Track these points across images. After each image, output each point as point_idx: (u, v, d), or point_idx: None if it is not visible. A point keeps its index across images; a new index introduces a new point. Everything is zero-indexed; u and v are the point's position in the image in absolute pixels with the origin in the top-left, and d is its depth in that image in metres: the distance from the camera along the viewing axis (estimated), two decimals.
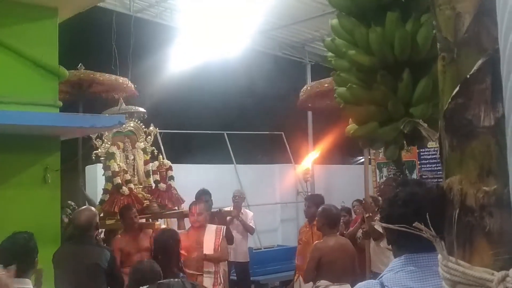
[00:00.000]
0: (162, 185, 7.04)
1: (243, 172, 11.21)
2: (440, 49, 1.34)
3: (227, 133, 11.53)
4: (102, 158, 6.80)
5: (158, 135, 10.59)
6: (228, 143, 11.38)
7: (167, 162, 7.36)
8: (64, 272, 4.40)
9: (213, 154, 11.11)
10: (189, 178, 10.18)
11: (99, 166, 9.87)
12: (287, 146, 12.49)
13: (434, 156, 11.46)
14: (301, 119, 12.34)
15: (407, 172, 12.09)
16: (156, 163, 7.28)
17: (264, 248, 10.38)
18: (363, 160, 15.49)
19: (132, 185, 6.67)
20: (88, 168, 9.81)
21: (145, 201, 6.71)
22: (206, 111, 12.26)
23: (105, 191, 6.68)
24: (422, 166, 11.64)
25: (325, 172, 12.57)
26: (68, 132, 4.66)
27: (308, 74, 11.81)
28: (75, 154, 7.06)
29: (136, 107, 7.34)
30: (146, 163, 7.12)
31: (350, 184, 11.83)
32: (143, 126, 7.26)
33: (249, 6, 9.16)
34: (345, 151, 15.70)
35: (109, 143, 6.81)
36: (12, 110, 4.38)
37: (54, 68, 4.70)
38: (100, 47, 10.23)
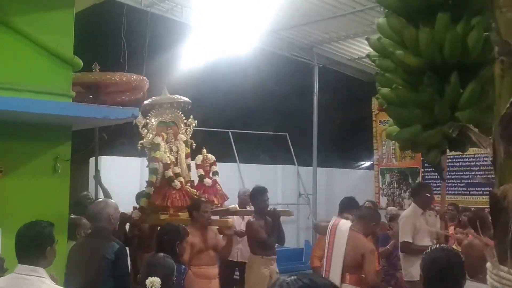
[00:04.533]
0: (208, 180, 6.68)
1: (246, 171, 11.20)
2: (498, 52, 1.31)
3: (231, 132, 11.51)
4: (146, 148, 6.43)
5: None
6: (232, 141, 11.36)
7: (211, 156, 6.97)
8: (73, 266, 4.38)
9: (216, 152, 11.04)
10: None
11: (103, 158, 9.89)
12: (291, 147, 12.48)
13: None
14: (306, 121, 12.31)
15: (410, 179, 12.10)
16: (200, 156, 6.89)
17: None
18: (366, 164, 15.53)
19: (182, 179, 6.31)
20: (93, 160, 9.78)
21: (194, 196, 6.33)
22: (211, 109, 12.22)
23: (150, 183, 6.30)
24: (426, 174, 11.64)
25: (327, 175, 12.55)
26: (81, 122, 4.61)
27: (315, 76, 11.78)
28: (83, 145, 6.90)
29: (179, 96, 6.86)
30: (187, 156, 6.73)
31: (353, 188, 11.79)
32: (184, 117, 6.84)
33: (259, 5, 9.12)
34: (349, 155, 15.69)
35: (153, 133, 6.44)
36: (24, 97, 4.34)
37: (69, 57, 4.66)
38: (108, 40, 10.18)
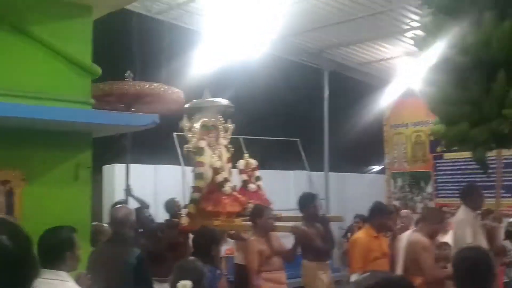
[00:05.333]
0: (252, 186, 6.57)
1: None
2: None
3: (242, 138, 11.52)
4: (191, 153, 6.32)
5: (175, 137, 10.63)
6: (243, 147, 11.36)
7: (253, 161, 6.82)
8: (93, 272, 4.39)
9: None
10: None
11: (117, 166, 9.92)
12: (302, 153, 12.48)
13: (451, 167, 11.42)
14: (317, 126, 12.31)
15: (421, 183, 12.09)
16: (242, 161, 6.76)
17: None
18: (377, 169, 15.50)
19: (230, 184, 6.20)
20: (106, 168, 9.84)
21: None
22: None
23: (196, 189, 6.17)
24: (438, 177, 11.61)
25: (339, 180, 12.54)
26: (101, 129, 4.63)
27: (326, 81, 11.79)
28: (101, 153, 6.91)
29: (221, 99, 6.73)
30: (228, 161, 6.59)
31: (365, 192, 11.78)
32: (223, 121, 6.72)
33: (269, 12, 9.15)
34: (360, 160, 15.67)
35: (197, 137, 6.30)
36: (45, 105, 4.36)
37: (88, 65, 4.69)
38: (119, 48, 10.24)
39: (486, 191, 10.58)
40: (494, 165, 10.47)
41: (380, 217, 5.81)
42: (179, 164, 10.46)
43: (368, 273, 1.35)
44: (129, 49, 9.10)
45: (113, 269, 4.33)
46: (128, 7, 9.06)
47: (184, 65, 10.30)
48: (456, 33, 2.72)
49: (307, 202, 6.32)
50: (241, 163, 6.75)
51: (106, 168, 9.96)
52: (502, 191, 10.09)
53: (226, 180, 6.14)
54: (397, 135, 12.42)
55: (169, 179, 10.12)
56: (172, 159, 10.86)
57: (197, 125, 6.32)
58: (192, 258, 3.75)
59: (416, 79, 11.13)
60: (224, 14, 9.30)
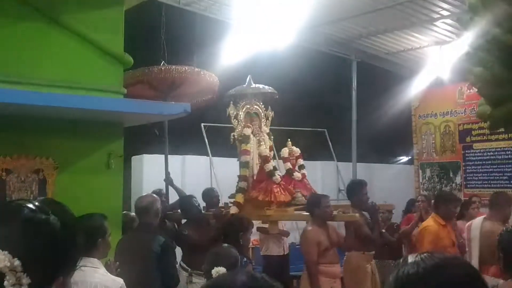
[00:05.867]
0: (298, 174, 6.37)
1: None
2: None
3: (270, 128, 11.52)
4: (237, 141, 6.22)
5: (202, 128, 10.67)
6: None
7: (296, 149, 6.65)
8: (120, 260, 4.45)
9: None
10: (231, 172, 10.22)
11: (145, 157, 10.02)
12: (330, 143, 12.43)
13: (480, 158, 11.26)
14: (345, 117, 12.24)
15: (451, 173, 11.94)
16: (286, 149, 6.58)
17: None
18: (405, 159, 15.37)
19: (279, 173, 6.04)
20: (134, 159, 9.93)
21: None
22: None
23: (243, 178, 6.04)
24: (467, 167, 11.46)
25: (366, 170, 12.45)
26: (133, 118, 4.68)
27: (353, 72, 11.70)
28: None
29: (265, 86, 6.59)
30: (270, 149, 6.46)
31: (393, 183, 11.70)
32: (264, 109, 6.56)
33: (296, 2, 9.10)
34: (388, 150, 15.55)
35: (242, 124, 6.20)
36: (77, 94, 4.42)
37: (120, 55, 4.73)
38: (148, 39, 10.29)
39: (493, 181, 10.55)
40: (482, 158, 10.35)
41: (446, 206, 5.71)
42: (207, 155, 10.49)
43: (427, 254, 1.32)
44: (158, 40, 9.13)
45: (138, 257, 4.38)
46: None
47: (213, 56, 10.33)
48: (504, 12, 2.65)
49: (356, 189, 6.13)
50: (284, 151, 6.62)
51: (134, 159, 10.04)
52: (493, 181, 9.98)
53: (275, 168, 6.01)
54: (426, 125, 12.28)
55: (197, 170, 10.17)
56: (199, 150, 10.90)
57: (241, 113, 6.23)
58: (226, 245, 3.78)
59: (445, 68, 11.06)
60: (252, 4, 9.27)
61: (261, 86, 6.55)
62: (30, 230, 1.31)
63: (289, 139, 6.72)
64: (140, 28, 10.88)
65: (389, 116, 11.90)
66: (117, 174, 4.67)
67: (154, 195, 4.91)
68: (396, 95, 11.76)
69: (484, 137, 10.98)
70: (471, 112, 11.20)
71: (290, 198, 5.94)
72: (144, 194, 5.22)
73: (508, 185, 10.68)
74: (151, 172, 9.57)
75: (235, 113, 6.24)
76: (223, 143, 11.52)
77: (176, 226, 6.36)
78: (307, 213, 5.67)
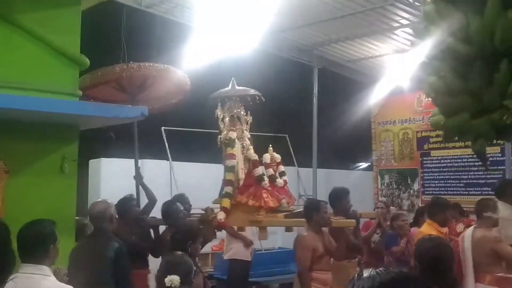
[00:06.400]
0: (280, 181, 6.25)
1: None
2: None
3: None
4: (223, 144, 6.07)
5: (163, 131, 10.56)
6: None
7: (277, 155, 6.57)
8: (74, 266, 4.35)
9: (217, 153, 11.02)
10: (191, 176, 10.14)
11: (103, 160, 9.83)
12: (291, 148, 12.46)
13: (437, 165, 11.48)
14: (306, 123, 12.29)
15: (408, 180, 12.14)
16: (268, 155, 6.46)
17: (265, 250, 10.31)
18: (365, 165, 15.53)
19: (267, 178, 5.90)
20: (92, 163, 9.73)
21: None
22: (211, 110, 12.19)
23: (229, 182, 5.86)
24: (425, 174, 11.67)
25: (327, 176, 12.53)
26: (89, 121, 4.57)
27: (315, 78, 11.76)
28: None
29: (249, 89, 6.47)
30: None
31: (352, 189, 11.75)
32: (244, 113, 6.44)
33: (259, 7, 9.09)
34: (348, 157, 15.69)
35: (227, 128, 6.08)
36: (31, 96, 4.29)
37: (76, 56, 4.62)
38: (108, 41, 10.13)
39: (471, 189, 10.77)
40: (478, 163, 10.56)
41: (443, 212, 5.69)
42: (167, 159, 10.37)
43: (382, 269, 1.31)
44: (118, 42, 8.98)
45: (92, 263, 4.30)
46: None
47: (175, 60, 10.21)
48: (458, 22, 2.67)
49: (339, 197, 6.13)
50: (266, 157, 6.50)
51: (92, 162, 9.85)
52: (487, 188, 10.21)
53: (263, 173, 5.90)
54: (385, 132, 12.48)
55: (156, 174, 10.03)
56: (159, 154, 10.76)
57: (226, 115, 6.14)
58: (179, 252, 3.70)
59: (404, 77, 11.23)
60: (215, 8, 9.22)
61: (247, 89, 6.49)
62: None
63: (270, 145, 6.66)
64: (100, 29, 10.69)
65: (350, 122, 12.02)
66: (71, 179, 4.55)
67: (108, 200, 4.78)
68: (357, 102, 11.89)
69: (442, 144, 11.21)
70: (429, 119, 11.40)
71: (278, 204, 5.85)
72: (98, 200, 5.09)
73: (464, 192, 10.92)
74: (109, 176, 9.41)
75: (222, 115, 6.15)
76: (184, 147, 11.44)
77: (153, 232, 6.13)
78: (303, 219, 5.59)
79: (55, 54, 4.54)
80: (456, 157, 11.13)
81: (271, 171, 6.29)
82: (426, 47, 2.91)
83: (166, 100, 6.69)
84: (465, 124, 2.81)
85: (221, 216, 5.71)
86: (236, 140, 6.01)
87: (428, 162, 11.70)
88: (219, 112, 6.17)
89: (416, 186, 11.90)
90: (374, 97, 11.77)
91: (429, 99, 11.06)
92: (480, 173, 10.67)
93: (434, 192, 11.33)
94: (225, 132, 6.06)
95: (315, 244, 5.28)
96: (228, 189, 5.86)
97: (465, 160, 10.95)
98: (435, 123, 3.02)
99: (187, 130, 11.24)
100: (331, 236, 5.65)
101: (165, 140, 10.47)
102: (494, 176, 10.23)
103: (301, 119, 12.57)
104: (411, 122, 11.89)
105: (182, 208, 5.80)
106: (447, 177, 11.32)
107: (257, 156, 5.97)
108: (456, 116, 2.81)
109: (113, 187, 8.86)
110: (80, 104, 4.43)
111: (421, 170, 11.79)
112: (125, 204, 6.01)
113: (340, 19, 9.72)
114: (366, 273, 1.34)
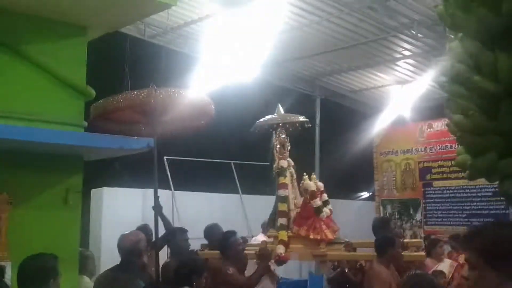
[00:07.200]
0: (327, 211, 5.89)
1: (248, 202, 11.10)
2: None
3: (234, 163, 11.45)
4: (276, 173, 5.84)
5: (165, 161, 10.52)
6: (234, 172, 11.29)
7: (320, 184, 6.13)
8: None
9: (219, 183, 11.00)
10: (194, 206, 10.08)
11: (105, 190, 9.77)
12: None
13: (440, 195, 11.42)
14: (308, 152, 12.28)
15: (411, 210, 12.06)
16: (311, 183, 6.01)
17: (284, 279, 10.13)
18: (366, 196, 15.47)
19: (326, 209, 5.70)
20: (94, 192, 9.66)
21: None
22: (214, 140, 12.19)
23: (283, 213, 5.62)
24: (427, 205, 11.59)
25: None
26: (94, 152, 4.55)
27: (317, 108, 11.81)
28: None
29: (298, 116, 6.24)
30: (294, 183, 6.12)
31: (355, 219, 11.69)
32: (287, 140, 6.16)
33: (262, 37, 9.16)
34: (350, 186, 15.62)
35: (277, 155, 5.87)
36: (35, 127, 4.28)
37: (81, 87, 4.62)
38: (112, 71, 10.18)
39: (474, 219, 10.69)
40: (481, 193, 10.53)
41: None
42: (169, 189, 10.32)
43: None
44: (122, 72, 9.03)
45: None
46: (122, 30, 9.05)
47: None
48: (486, 60, 2.64)
49: (383, 226, 6.06)
50: (309, 185, 6.06)
51: (94, 192, 9.77)
52: (490, 219, 10.14)
53: (321, 205, 5.68)
54: (387, 162, 12.42)
55: None
56: (161, 183, 10.69)
57: (277, 144, 5.98)
58: None
59: (407, 107, 11.25)
60: (218, 39, 9.29)
61: (296, 115, 6.29)
62: None
63: (313, 173, 6.25)
64: (104, 60, 10.76)
65: (352, 152, 12.01)
66: (75, 211, 4.50)
67: (141, 233, 4.56)
68: (359, 132, 11.90)
69: (444, 175, 11.17)
70: (431, 150, 11.40)
71: (334, 236, 5.62)
72: (128, 232, 4.91)
73: (467, 223, 10.83)
74: (111, 206, 9.34)
75: (275, 144, 6.00)
76: (185, 176, 11.40)
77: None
78: (370, 253, 5.40)
79: (61, 85, 4.54)
80: (458, 187, 11.07)
81: (317, 201, 5.86)
82: (453, 84, 2.87)
83: (189, 123, 6.35)
84: (493, 164, 2.76)
85: (281, 250, 5.45)
86: (287, 168, 5.85)
87: (431, 192, 11.63)
88: (275, 141, 6.00)
89: (418, 216, 11.81)
90: (376, 127, 11.78)
91: (432, 129, 11.21)
92: (483, 203, 10.60)
93: (436, 222, 11.24)
94: (276, 161, 5.90)
95: (390, 279, 5.11)
96: (283, 220, 5.64)
97: (468, 190, 10.89)
98: (462, 162, 2.97)
99: (189, 159, 11.22)
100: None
101: (167, 170, 10.42)
102: (496, 207, 10.17)
103: (304, 149, 12.55)
104: (413, 153, 11.85)
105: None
106: (449, 207, 11.24)
107: (314, 186, 5.70)
108: (484, 156, 2.76)
109: (116, 217, 8.78)
110: (85, 136, 4.41)
111: (423, 201, 11.71)
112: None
113: (343, 50, 9.79)
114: None
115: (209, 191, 10.74)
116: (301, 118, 6.19)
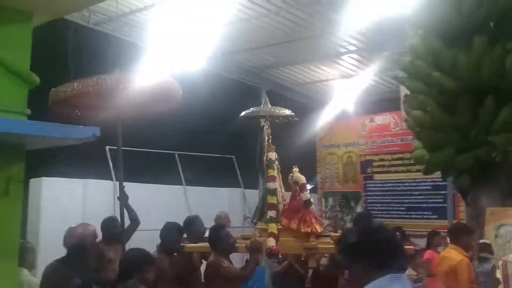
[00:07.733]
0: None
1: (192, 193, 11.08)
2: None
3: (178, 154, 11.38)
4: (265, 165, 5.77)
5: (107, 151, 10.33)
6: (179, 163, 11.23)
7: (302, 176, 6.06)
8: None
9: (162, 174, 10.91)
10: (137, 197, 9.92)
11: (45, 180, 9.50)
12: (237, 170, 12.45)
13: (380, 188, 11.72)
14: (252, 144, 12.32)
15: (352, 203, 12.33)
16: (302, 176, 6.01)
17: None
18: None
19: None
20: (32, 182, 9.38)
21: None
22: (158, 131, 12.04)
23: (272, 206, 5.59)
24: (368, 197, 11.88)
25: None
26: (37, 141, 4.38)
27: (262, 100, 11.83)
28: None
29: (283, 109, 6.26)
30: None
31: None
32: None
33: (208, 28, 9.11)
34: None
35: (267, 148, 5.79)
36: None
37: (25, 73, 4.44)
38: (56, 58, 9.88)
39: (413, 212, 11.03)
40: (420, 187, 10.87)
41: (468, 237, 5.48)
42: (111, 179, 10.14)
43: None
44: (66, 59, 8.78)
45: None
46: (67, 16, 8.79)
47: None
48: (446, 57, 2.72)
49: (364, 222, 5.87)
50: (301, 178, 6.12)
51: (33, 182, 9.49)
52: (429, 212, 10.50)
53: (311, 197, 5.73)
54: (329, 155, 12.64)
55: (99, 195, 9.78)
56: (102, 174, 10.51)
57: (266, 136, 5.96)
58: (132, 281, 3.55)
59: (350, 101, 11.46)
60: (164, 28, 9.17)
61: (282, 108, 6.33)
62: None
63: (295, 166, 6.20)
64: (47, 46, 10.42)
65: (296, 145, 12.13)
66: (16, 201, 4.31)
67: (90, 226, 4.44)
68: (303, 125, 12.02)
69: (384, 168, 11.46)
70: (372, 144, 11.68)
71: (322, 229, 5.68)
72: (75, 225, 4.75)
73: (406, 216, 11.16)
74: (51, 196, 9.11)
75: (264, 137, 5.99)
76: (129, 167, 11.21)
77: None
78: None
79: (3, 71, 4.35)
80: (398, 181, 11.38)
81: (308, 194, 5.92)
82: (410, 79, 2.94)
83: (154, 106, 6.22)
84: (450, 159, 2.85)
85: (272, 242, 5.42)
86: (275, 161, 5.82)
87: (371, 185, 11.92)
88: (268, 131, 6.02)
89: (359, 209, 12.08)
90: (320, 120, 11.95)
91: (374, 123, 11.47)
92: (421, 197, 10.94)
93: (377, 215, 11.53)
94: (266, 153, 5.87)
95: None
96: (273, 213, 5.62)
97: (407, 184, 11.21)
98: (419, 157, 3.05)
99: (132, 149, 11.04)
100: None
101: (110, 160, 10.25)
102: (435, 200, 10.53)
103: (248, 140, 12.59)
104: (355, 146, 12.11)
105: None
106: (389, 200, 11.55)
107: (304, 179, 5.73)
108: (441, 152, 2.84)
109: (56, 208, 8.57)
110: (28, 124, 4.23)
111: (364, 193, 12.00)
112: (109, 225, 5.62)
113: (289, 43, 9.87)
114: None
115: (153, 182, 10.63)
116: (288, 112, 6.23)
